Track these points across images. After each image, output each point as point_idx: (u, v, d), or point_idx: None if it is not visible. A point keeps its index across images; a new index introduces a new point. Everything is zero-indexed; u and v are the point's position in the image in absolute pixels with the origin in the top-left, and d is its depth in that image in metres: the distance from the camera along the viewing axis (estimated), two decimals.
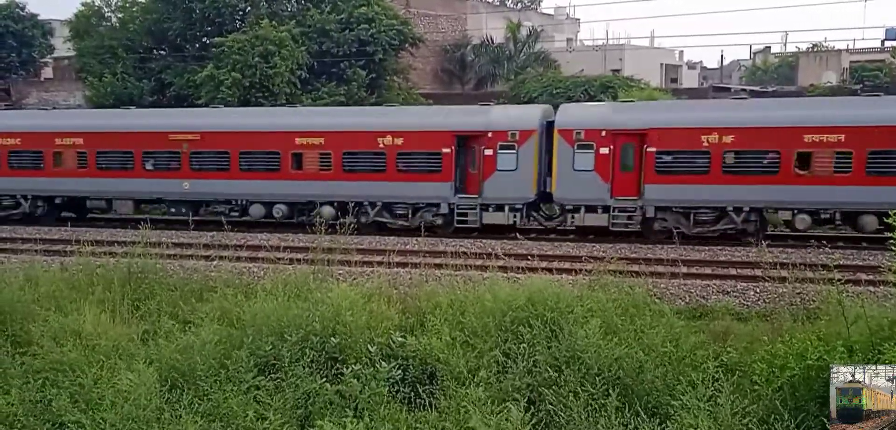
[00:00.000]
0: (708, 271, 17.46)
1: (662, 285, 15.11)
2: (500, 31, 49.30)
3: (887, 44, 49.39)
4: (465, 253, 17.29)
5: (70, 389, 10.24)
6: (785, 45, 62.12)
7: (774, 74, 57.82)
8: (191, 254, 18.64)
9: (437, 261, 17.62)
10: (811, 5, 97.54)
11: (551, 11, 67.54)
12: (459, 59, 50.09)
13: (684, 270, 16.78)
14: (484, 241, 21.21)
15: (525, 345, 10.40)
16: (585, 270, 14.64)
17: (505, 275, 14.33)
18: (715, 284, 16.14)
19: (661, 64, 57.41)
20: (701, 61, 72.35)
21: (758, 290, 15.37)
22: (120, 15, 37.74)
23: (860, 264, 17.28)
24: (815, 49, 55.08)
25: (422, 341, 10.75)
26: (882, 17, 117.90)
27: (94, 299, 12.94)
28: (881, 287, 14.17)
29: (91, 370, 10.37)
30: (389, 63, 37.81)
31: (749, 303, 14.78)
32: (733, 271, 17.39)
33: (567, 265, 17.04)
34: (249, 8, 36.56)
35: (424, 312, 12.15)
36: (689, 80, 63.47)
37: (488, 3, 65.25)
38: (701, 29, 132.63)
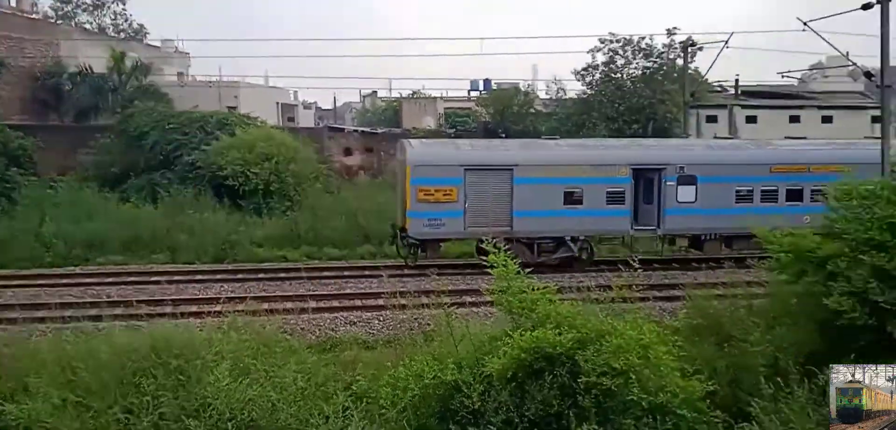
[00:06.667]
0: (336, 303, 18.12)
1: (293, 322, 15.23)
2: (102, 60, 44.92)
3: (472, 94, 57.55)
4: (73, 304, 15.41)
5: None
6: (390, 91, 67.78)
7: (382, 116, 62.92)
8: None
9: (40, 314, 15.47)
10: (408, 56, 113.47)
11: (158, 44, 63.33)
12: (54, 87, 44.58)
13: (314, 305, 17.20)
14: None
15: (149, 398, 9.58)
16: (212, 312, 14.16)
17: (123, 324, 13.10)
18: (342, 315, 16.80)
19: (278, 103, 58.24)
20: (316, 102, 75.84)
21: (382, 318, 16.39)
22: None
23: (465, 288, 19.34)
24: (415, 96, 61.40)
25: (24, 408, 9.27)
26: (468, 71, 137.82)
27: None
28: (482, 307, 16.15)
29: None
30: None
31: (375, 331, 15.67)
32: (359, 302, 18.29)
33: (194, 309, 16.28)
34: None
35: (27, 372, 10.50)
36: (306, 119, 65.71)
37: (86, 29, 59.60)
38: (314, 71, 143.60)
